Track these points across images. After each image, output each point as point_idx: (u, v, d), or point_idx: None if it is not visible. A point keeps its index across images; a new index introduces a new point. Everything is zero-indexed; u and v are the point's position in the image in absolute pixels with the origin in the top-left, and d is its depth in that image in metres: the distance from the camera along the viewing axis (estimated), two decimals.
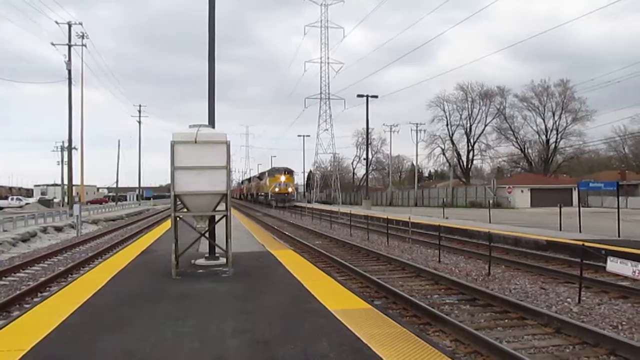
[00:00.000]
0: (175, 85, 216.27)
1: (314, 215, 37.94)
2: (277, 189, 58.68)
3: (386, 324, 5.89)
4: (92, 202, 78.02)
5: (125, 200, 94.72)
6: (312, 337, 5.31)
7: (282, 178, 59.69)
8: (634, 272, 8.37)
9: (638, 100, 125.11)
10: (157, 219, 37.02)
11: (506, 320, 7.80)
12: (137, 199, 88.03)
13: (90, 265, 12.88)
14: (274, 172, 62.56)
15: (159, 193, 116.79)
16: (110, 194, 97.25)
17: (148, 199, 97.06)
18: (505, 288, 10.27)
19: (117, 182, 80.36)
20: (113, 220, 40.48)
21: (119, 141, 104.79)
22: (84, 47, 44.07)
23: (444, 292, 9.96)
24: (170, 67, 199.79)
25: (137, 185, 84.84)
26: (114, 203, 72.09)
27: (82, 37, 44.05)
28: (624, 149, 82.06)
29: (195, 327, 5.73)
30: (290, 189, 60.34)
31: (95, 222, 36.43)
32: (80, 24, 43.68)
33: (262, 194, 66.45)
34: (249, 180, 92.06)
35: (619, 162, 79.36)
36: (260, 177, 71.73)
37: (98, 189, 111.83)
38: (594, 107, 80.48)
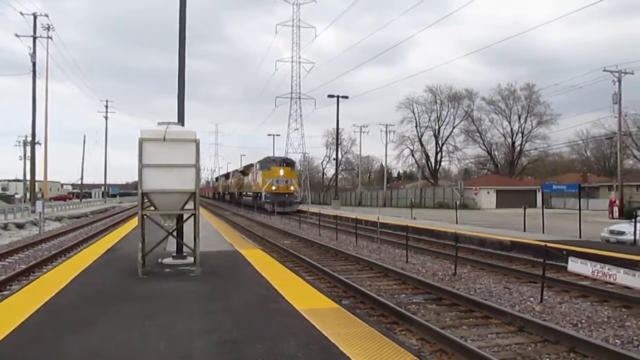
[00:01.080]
0: (143, 81, 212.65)
1: (283, 214, 38.24)
2: (274, 187, 41.89)
3: (354, 323, 5.94)
4: (56, 198, 76.05)
5: (90, 197, 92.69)
6: (280, 337, 5.31)
7: (281, 172, 42.82)
8: (594, 272, 8.64)
9: (600, 105, 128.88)
10: (123, 217, 36.39)
11: (471, 319, 7.95)
12: (102, 197, 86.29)
13: (54, 264, 12.59)
14: (268, 163, 45.33)
15: (126, 190, 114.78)
16: (75, 190, 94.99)
17: (114, 196, 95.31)
18: (471, 287, 10.46)
19: (81, 178, 78.59)
20: (77, 217, 39.61)
21: (84, 137, 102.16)
22: (49, 39, 43.00)
23: (411, 292, 10.08)
24: (138, 63, 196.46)
25: (102, 183, 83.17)
26: (78, 200, 70.52)
27: (48, 29, 42.99)
28: (586, 152, 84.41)
29: (162, 327, 5.67)
30: (292, 187, 43.36)
31: (58, 219, 35.58)
32: (46, 15, 42.65)
33: (250, 193, 49.95)
34: (226, 176, 75.29)
35: (581, 165, 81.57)
36: (246, 171, 54.83)
37: (62, 185, 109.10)
38: (558, 111, 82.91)
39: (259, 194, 43.49)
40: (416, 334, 7.01)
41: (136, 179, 9.12)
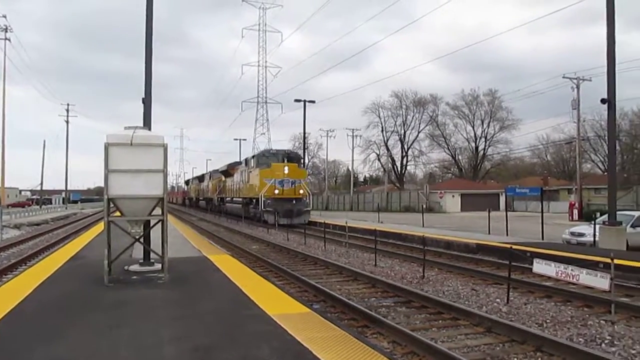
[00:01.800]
0: (106, 85, 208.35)
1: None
2: (276, 191, 30.87)
3: (326, 327, 5.95)
4: (14, 205, 73.60)
5: (51, 203, 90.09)
6: (253, 343, 5.28)
7: (286, 169, 31.45)
8: (557, 273, 8.86)
9: (560, 110, 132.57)
10: (86, 224, 35.51)
11: (440, 321, 8.06)
12: (63, 203, 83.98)
13: (14, 273, 12.19)
14: (267, 158, 33.30)
15: (88, 197, 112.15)
16: (34, 197, 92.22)
17: (75, 202, 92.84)
18: (439, 290, 10.60)
19: (41, 184, 76.25)
20: (37, 224, 38.38)
21: (44, 141, 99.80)
22: (7, 41, 41.77)
23: (381, 295, 10.15)
24: (101, 66, 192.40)
25: (63, 188, 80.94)
26: (38, 206, 68.44)
27: (6, 30, 41.79)
28: (546, 156, 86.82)
29: (130, 336, 5.56)
30: (301, 191, 31.97)
31: (17, 226, 34.43)
32: (4, 16, 41.45)
33: (238, 199, 37.85)
34: (200, 179, 64.51)
35: (542, 169, 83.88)
36: (230, 170, 42.38)
37: (20, 191, 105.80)
38: (519, 117, 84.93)
39: (253, 200, 32.54)
40: (387, 336, 7.06)
41: (100, 184, 8.97)
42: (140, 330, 5.79)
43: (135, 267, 10.10)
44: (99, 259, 9.34)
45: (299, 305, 7.15)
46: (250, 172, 34.39)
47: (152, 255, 10.22)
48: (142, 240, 10.07)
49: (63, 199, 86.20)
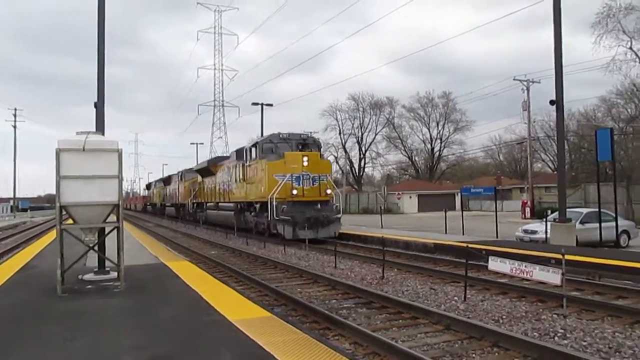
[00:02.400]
0: (54, 89, 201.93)
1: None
2: (294, 192, 21.89)
3: (287, 331, 5.93)
4: None
5: None
6: (214, 349, 5.21)
7: (305, 161, 22.14)
8: (512, 269, 9.11)
9: (511, 112, 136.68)
10: (36, 232, 34.24)
11: (400, 321, 8.16)
12: (11, 211, 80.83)
13: None
14: (276, 146, 23.67)
15: (38, 204, 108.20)
16: None
17: (25, 210, 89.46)
18: (399, 290, 10.73)
19: None
20: None
21: None
22: None
23: (342, 297, 10.19)
24: (49, 69, 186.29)
25: (11, 196, 77.94)
26: None
27: None
28: (499, 156, 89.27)
29: (86, 347, 5.40)
30: (328, 191, 22.93)
31: None
32: None
33: (232, 204, 28.01)
34: (166, 181, 53.95)
35: (495, 169, 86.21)
36: (212, 168, 32.35)
37: None
38: (473, 118, 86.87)
39: (256, 205, 23.83)
40: (349, 338, 7.10)
41: (50, 191, 8.67)
42: (96, 341, 5.63)
43: (89, 276, 9.82)
44: (51, 268, 9.04)
45: (259, 310, 7.10)
46: (249, 165, 24.26)
47: (107, 263, 9.95)
48: (96, 248, 9.80)
49: (11, 206, 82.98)
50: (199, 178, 36.97)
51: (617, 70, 36.97)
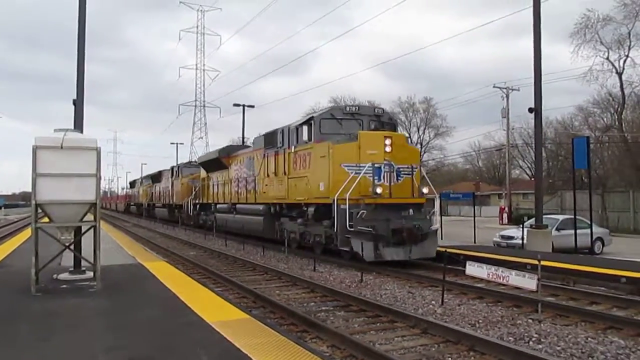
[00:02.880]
0: (33, 84, 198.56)
1: (187, 225, 36.49)
2: (378, 190, 14.30)
3: (265, 333, 5.92)
4: None
5: None
6: (191, 351, 5.18)
7: (387, 145, 14.80)
8: (489, 274, 9.22)
9: (490, 118, 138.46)
10: (10, 230, 33.62)
11: (378, 324, 8.19)
12: None
13: None
14: (339, 124, 16.31)
15: (12, 202, 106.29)
16: None
17: None
18: (377, 293, 10.77)
19: None
20: None
21: None
22: None
23: (320, 300, 10.20)
24: (27, 64, 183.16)
25: None
26: None
27: None
28: (478, 162, 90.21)
29: (61, 348, 5.32)
30: (426, 189, 15.86)
31: None
32: None
33: (262, 206, 20.41)
34: (155, 178, 46.91)
35: (474, 175, 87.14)
36: (225, 159, 25.94)
37: None
38: (453, 124, 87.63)
39: (311, 210, 16.49)
40: (327, 340, 7.10)
41: (26, 189, 8.52)
42: (71, 342, 5.55)
43: (64, 276, 9.67)
44: (25, 267, 8.88)
45: (238, 312, 7.07)
46: (296, 152, 17.13)
47: (83, 263, 9.81)
48: (72, 247, 9.66)
49: None
50: (203, 173, 29.80)
51: (594, 80, 37.68)
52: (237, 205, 23.68)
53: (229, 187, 25.15)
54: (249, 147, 24.90)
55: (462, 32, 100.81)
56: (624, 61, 36.08)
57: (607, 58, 36.52)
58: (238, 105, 44.14)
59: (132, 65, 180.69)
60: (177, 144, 76.61)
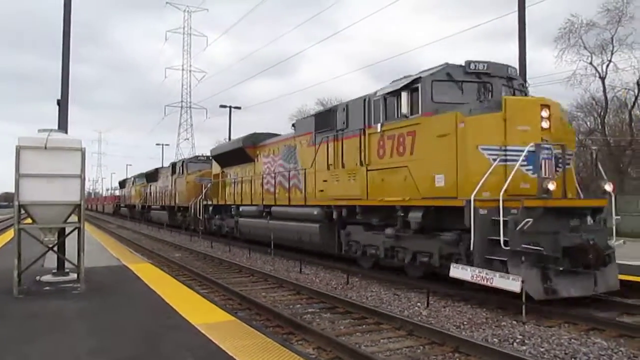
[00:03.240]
0: (12, 85, 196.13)
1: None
2: (550, 187, 9.14)
3: (251, 335, 5.90)
4: None
5: None
6: (176, 354, 5.15)
7: (545, 118, 9.63)
8: (473, 276, 9.27)
9: None
10: None
11: (364, 326, 8.20)
12: None
13: None
14: (463, 87, 10.94)
15: None
16: None
17: None
18: (363, 295, 10.79)
19: None
20: None
21: None
22: None
23: (306, 302, 10.19)
24: (9, 64, 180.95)
25: None
26: None
27: None
28: None
29: (43, 351, 5.27)
30: (608, 187, 9.85)
31: None
32: None
33: (324, 208, 14.76)
34: (151, 176, 41.99)
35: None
36: (254, 147, 20.83)
37: None
38: None
39: (418, 215, 10.85)
40: (312, 342, 7.10)
41: (8, 189, 8.42)
42: (54, 344, 5.49)
43: (48, 278, 9.57)
44: (7, 269, 8.77)
45: (223, 314, 7.05)
46: (386, 132, 12.01)
47: (67, 264, 9.72)
48: (56, 249, 9.56)
49: None
50: (217, 168, 25.05)
51: (577, 84, 38.07)
52: (273, 208, 18.44)
53: (257, 185, 20.17)
54: (278, 135, 20.58)
55: (449, 35, 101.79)
56: (607, 66, 36.53)
57: (591, 63, 36.97)
58: (225, 106, 43.96)
59: (117, 65, 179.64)
60: (162, 145, 76.11)
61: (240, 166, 22.23)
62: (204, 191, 26.68)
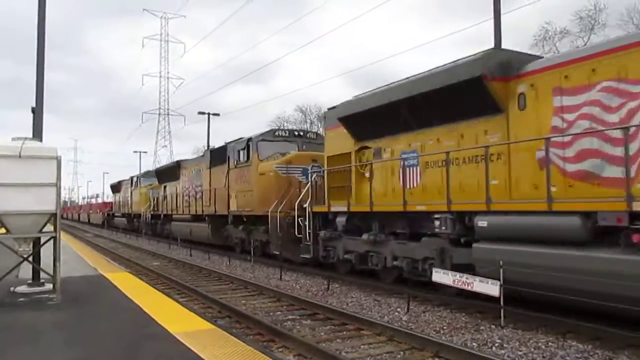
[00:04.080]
0: None
1: (150, 236, 35.32)
2: None
3: (231, 343, 5.85)
4: None
5: None
6: None
7: None
8: (454, 281, 9.35)
9: None
10: None
11: (345, 332, 8.21)
12: None
13: None
14: None
15: None
16: None
17: None
18: (343, 301, 10.80)
19: None
20: None
21: None
22: None
23: (286, 309, 10.16)
24: None
25: None
26: None
27: None
28: None
29: None
30: None
31: None
32: None
33: None
34: (165, 173, 31.35)
35: None
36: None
37: None
38: None
39: None
40: (293, 349, 7.08)
41: None
42: (28, 357, 5.37)
43: (22, 289, 9.36)
44: None
45: (203, 322, 6.98)
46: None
47: (42, 275, 9.52)
48: (31, 259, 9.37)
49: None
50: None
51: None
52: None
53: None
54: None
55: (427, 42, 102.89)
56: None
57: None
58: (203, 113, 43.72)
59: (94, 72, 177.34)
60: (140, 152, 75.08)
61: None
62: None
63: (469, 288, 9.08)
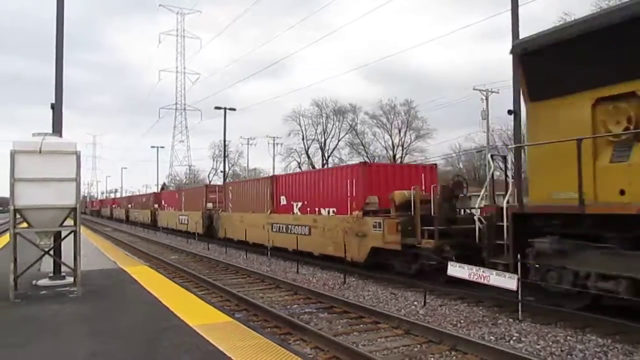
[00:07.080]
0: (5, 88, 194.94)
1: (168, 231, 36.04)
2: None
3: (249, 336, 5.91)
4: None
5: None
6: (174, 355, 5.15)
7: None
8: (470, 275, 9.31)
9: (470, 121, 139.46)
10: None
11: (361, 325, 8.23)
12: None
13: None
14: None
15: None
16: None
17: None
18: (360, 295, 10.82)
19: None
20: None
21: None
22: None
23: (303, 302, 10.21)
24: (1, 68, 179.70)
25: None
26: None
27: None
28: (459, 164, 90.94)
29: (40, 355, 5.25)
30: None
31: None
32: None
33: None
34: None
35: (455, 176, 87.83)
36: None
37: None
38: (434, 126, 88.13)
39: None
40: (310, 342, 7.12)
41: (3, 194, 8.37)
42: (51, 348, 5.48)
43: (44, 282, 9.54)
44: (3, 273, 8.73)
45: (220, 315, 7.05)
46: None
47: (63, 268, 9.69)
48: (52, 252, 9.54)
49: None
50: None
51: None
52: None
53: None
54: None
55: (443, 35, 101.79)
56: None
57: None
58: (219, 108, 43.87)
59: (111, 68, 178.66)
60: (157, 147, 75.71)
61: None
62: None
63: (485, 282, 9.04)
